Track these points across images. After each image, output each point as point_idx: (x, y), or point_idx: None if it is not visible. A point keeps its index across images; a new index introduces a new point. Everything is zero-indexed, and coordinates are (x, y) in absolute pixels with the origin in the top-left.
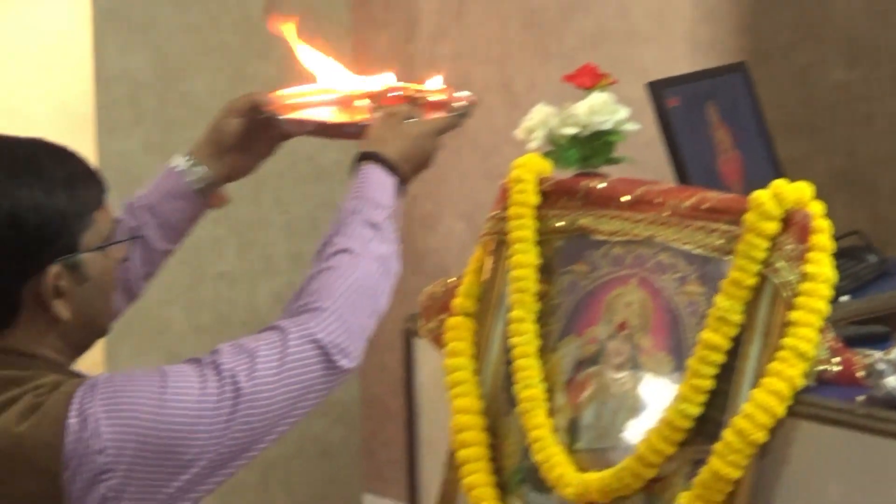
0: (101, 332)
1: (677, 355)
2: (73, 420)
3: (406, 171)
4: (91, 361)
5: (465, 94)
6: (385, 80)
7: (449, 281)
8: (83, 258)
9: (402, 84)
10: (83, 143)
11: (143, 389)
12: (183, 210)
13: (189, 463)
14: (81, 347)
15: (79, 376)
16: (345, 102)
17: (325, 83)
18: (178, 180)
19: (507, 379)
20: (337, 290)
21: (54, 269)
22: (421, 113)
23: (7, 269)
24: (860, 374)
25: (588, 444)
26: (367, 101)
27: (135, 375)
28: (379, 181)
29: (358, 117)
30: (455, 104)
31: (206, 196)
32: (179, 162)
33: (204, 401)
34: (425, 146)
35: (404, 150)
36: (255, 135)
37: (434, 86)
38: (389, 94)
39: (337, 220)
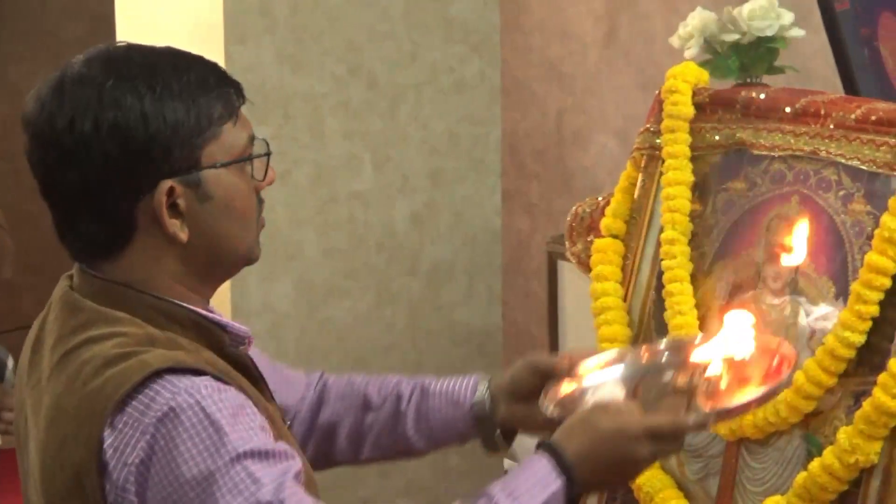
0: (238, 259)
1: (840, 279)
2: (112, 428)
3: (584, 478)
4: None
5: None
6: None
7: (598, 200)
8: (205, 175)
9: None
10: (212, 53)
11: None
12: (453, 422)
13: None
14: (215, 276)
15: (211, 326)
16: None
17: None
18: (466, 398)
19: (657, 305)
20: None
21: (167, 184)
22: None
23: (117, 185)
24: None
25: None
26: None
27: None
28: (538, 477)
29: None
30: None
31: (480, 429)
32: (481, 386)
33: None
34: (627, 451)
35: (590, 450)
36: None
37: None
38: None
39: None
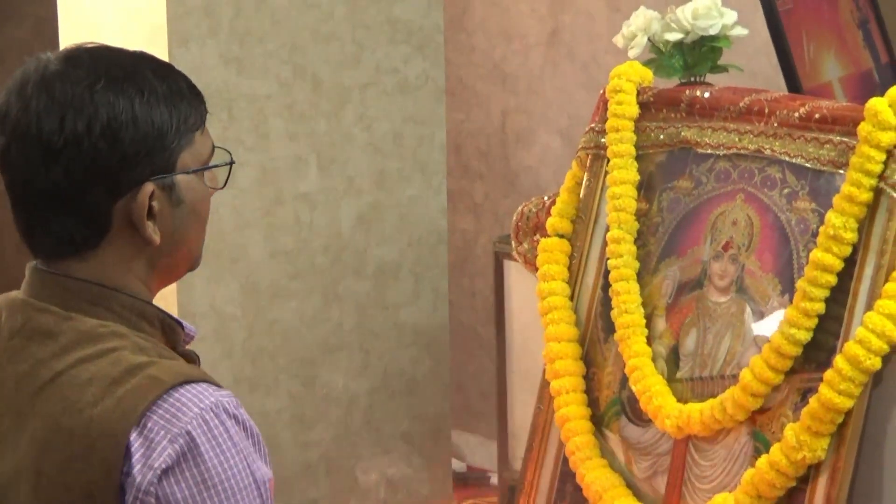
0: (191, 263)
1: (786, 277)
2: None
3: None
4: (163, 290)
5: None
6: None
7: (543, 199)
8: (179, 179)
9: None
10: (156, 55)
11: None
12: None
13: None
14: (169, 279)
15: (172, 323)
16: None
17: None
18: None
19: (603, 304)
20: None
21: (149, 187)
22: None
23: (100, 184)
24: None
25: (689, 374)
26: None
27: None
28: None
29: None
30: None
31: None
32: None
33: None
34: None
35: None
36: None
37: None
38: None
39: None
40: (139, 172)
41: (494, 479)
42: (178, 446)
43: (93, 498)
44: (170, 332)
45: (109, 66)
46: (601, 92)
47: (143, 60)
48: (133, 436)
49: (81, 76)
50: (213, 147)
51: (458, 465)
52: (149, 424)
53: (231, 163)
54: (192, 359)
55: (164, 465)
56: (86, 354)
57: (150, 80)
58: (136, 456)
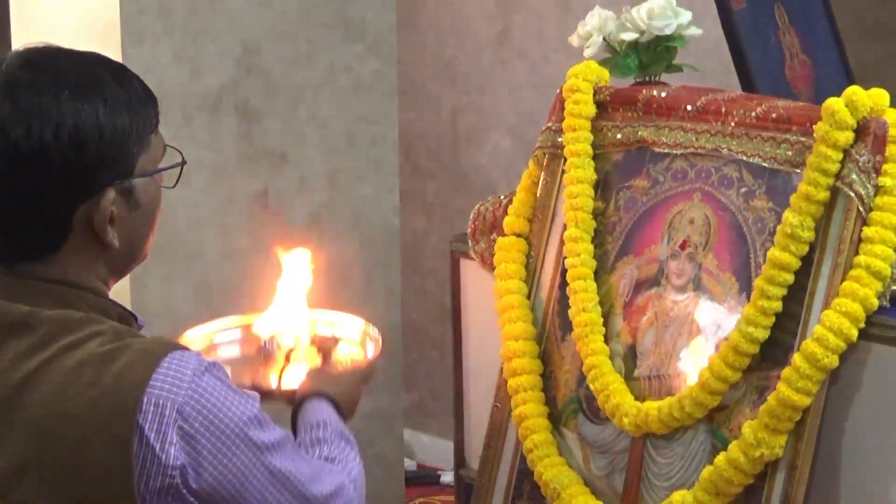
0: (141, 260)
1: (743, 275)
2: (147, 411)
3: (346, 414)
4: (116, 288)
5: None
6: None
7: (500, 198)
8: (137, 183)
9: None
10: (109, 54)
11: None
12: None
13: None
14: (123, 274)
15: (128, 316)
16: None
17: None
18: None
19: (560, 303)
20: None
21: (111, 193)
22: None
23: (64, 190)
24: None
25: (647, 372)
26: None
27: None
28: (320, 408)
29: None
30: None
31: None
32: None
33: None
34: (354, 394)
35: (342, 395)
36: None
37: (351, 326)
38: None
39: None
40: (102, 178)
41: (445, 478)
42: (186, 413)
43: (109, 475)
44: (126, 324)
45: (72, 74)
46: (558, 91)
47: (101, 65)
48: (143, 408)
49: (47, 84)
50: (165, 147)
51: (408, 463)
52: (152, 396)
53: (183, 163)
54: None
55: (179, 436)
56: (69, 342)
57: (112, 87)
58: (152, 432)
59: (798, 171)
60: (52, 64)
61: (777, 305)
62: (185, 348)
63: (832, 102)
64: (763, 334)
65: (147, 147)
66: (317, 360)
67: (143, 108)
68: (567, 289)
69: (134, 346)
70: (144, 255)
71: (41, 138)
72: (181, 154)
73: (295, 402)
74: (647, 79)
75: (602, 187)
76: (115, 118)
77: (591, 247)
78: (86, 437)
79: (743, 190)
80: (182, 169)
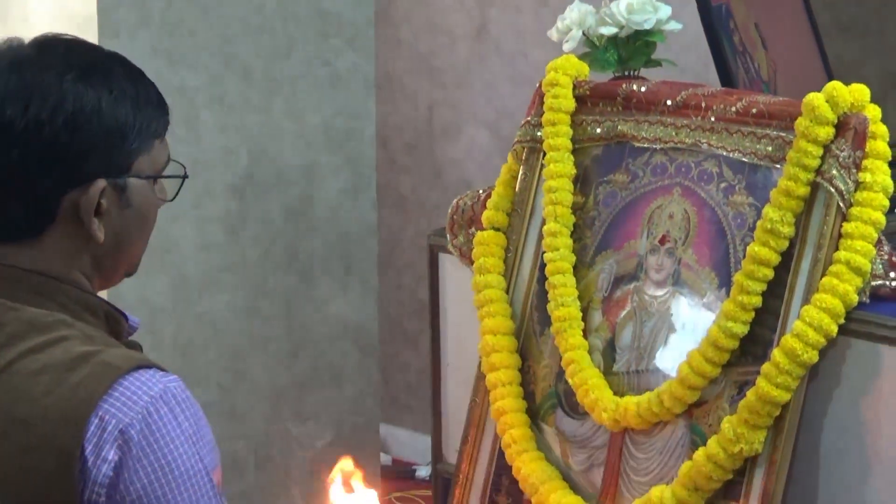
0: (131, 268)
1: (723, 270)
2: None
3: None
4: None
5: None
6: None
7: (479, 192)
8: (132, 182)
9: None
10: None
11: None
12: None
13: None
14: (108, 280)
15: (117, 315)
16: None
17: None
18: None
19: (539, 297)
20: None
21: (101, 183)
22: None
23: (53, 173)
24: None
25: (626, 367)
26: None
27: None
28: None
29: None
30: None
31: None
32: None
33: None
34: None
35: None
36: None
37: None
38: None
39: None
40: (94, 167)
41: (421, 473)
42: (129, 436)
43: (51, 486)
44: (114, 323)
45: (82, 59)
46: (537, 85)
47: (116, 60)
48: (90, 423)
49: (53, 63)
50: (169, 158)
51: (384, 458)
52: (101, 412)
53: (185, 176)
54: (135, 348)
55: (116, 457)
56: (34, 344)
57: (121, 79)
58: (90, 445)
59: (778, 166)
60: (65, 47)
61: (756, 301)
62: (156, 367)
63: (813, 98)
64: (742, 329)
65: (148, 149)
66: None
67: (150, 110)
68: (546, 283)
69: (98, 358)
70: (132, 264)
71: (37, 116)
72: (184, 168)
73: None
74: (626, 73)
75: (581, 182)
76: (118, 109)
77: (570, 241)
78: (33, 445)
79: (723, 185)
80: (182, 183)
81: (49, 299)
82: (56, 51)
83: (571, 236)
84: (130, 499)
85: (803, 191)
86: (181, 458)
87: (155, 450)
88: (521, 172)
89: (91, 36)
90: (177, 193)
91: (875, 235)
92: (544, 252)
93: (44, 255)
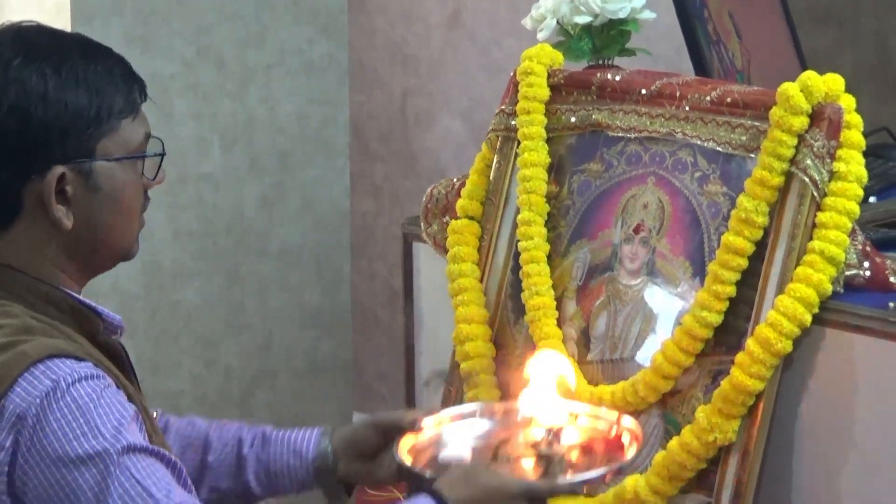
0: (116, 254)
1: (697, 260)
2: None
3: None
4: None
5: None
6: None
7: (453, 181)
8: (97, 166)
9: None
10: None
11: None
12: (295, 471)
13: None
14: (92, 268)
15: (87, 312)
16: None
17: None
18: (309, 450)
19: (513, 286)
20: None
21: (59, 170)
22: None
23: (8, 163)
24: (892, 279)
25: (600, 356)
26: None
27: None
28: None
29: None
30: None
31: (321, 480)
32: (324, 440)
33: None
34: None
35: (470, 501)
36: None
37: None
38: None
39: None
40: (49, 154)
41: None
42: (25, 422)
43: None
44: (84, 320)
45: (32, 45)
46: (511, 74)
47: (73, 42)
48: None
49: (1, 53)
50: (148, 136)
51: None
52: (6, 400)
53: (161, 154)
54: (115, 352)
55: (10, 443)
56: None
57: (74, 60)
58: None
59: (752, 155)
60: (17, 35)
61: (731, 290)
62: (71, 357)
63: (787, 87)
64: (717, 319)
65: (113, 131)
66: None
67: (111, 90)
68: (520, 272)
69: (18, 347)
70: (119, 247)
71: None
72: (162, 144)
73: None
74: (600, 62)
75: (555, 171)
76: (67, 93)
77: (544, 230)
78: None
79: (697, 174)
80: (162, 161)
81: (8, 291)
82: (7, 38)
83: (546, 225)
84: (32, 484)
85: (777, 180)
86: (75, 442)
87: (48, 433)
88: (495, 161)
89: (64, 22)
90: (157, 173)
91: (849, 225)
92: (518, 241)
93: (11, 246)
